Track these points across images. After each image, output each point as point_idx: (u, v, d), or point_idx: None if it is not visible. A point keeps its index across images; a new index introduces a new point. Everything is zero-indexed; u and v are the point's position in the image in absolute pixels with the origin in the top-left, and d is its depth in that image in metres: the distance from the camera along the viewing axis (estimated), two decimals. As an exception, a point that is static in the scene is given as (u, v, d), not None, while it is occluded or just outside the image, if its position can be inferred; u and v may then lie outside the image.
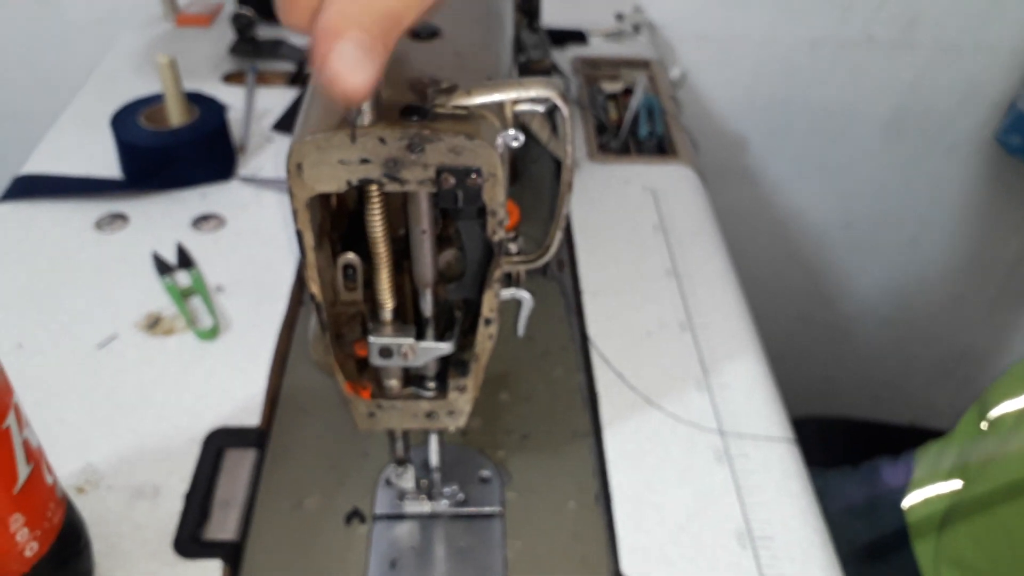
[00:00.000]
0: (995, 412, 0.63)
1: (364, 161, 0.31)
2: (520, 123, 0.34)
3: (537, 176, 0.73)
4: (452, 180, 0.32)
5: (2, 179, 0.71)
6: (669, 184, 0.73)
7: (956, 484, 0.64)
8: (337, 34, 0.28)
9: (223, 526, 0.46)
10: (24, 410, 0.36)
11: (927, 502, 0.67)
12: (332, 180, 0.31)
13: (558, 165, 0.73)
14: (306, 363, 0.56)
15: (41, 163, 0.73)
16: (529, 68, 0.71)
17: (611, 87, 0.86)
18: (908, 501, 0.68)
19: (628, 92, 0.85)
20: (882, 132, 1.13)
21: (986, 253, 1.25)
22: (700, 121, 1.07)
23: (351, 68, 0.28)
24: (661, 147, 0.79)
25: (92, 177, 0.71)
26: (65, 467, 0.48)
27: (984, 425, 0.63)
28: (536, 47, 0.71)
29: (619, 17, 1.00)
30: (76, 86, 0.84)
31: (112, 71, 0.87)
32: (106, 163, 0.72)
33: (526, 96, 0.32)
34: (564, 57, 0.92)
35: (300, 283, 0.62)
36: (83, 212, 0.68)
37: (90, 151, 0.74)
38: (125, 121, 0.71)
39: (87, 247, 0.64)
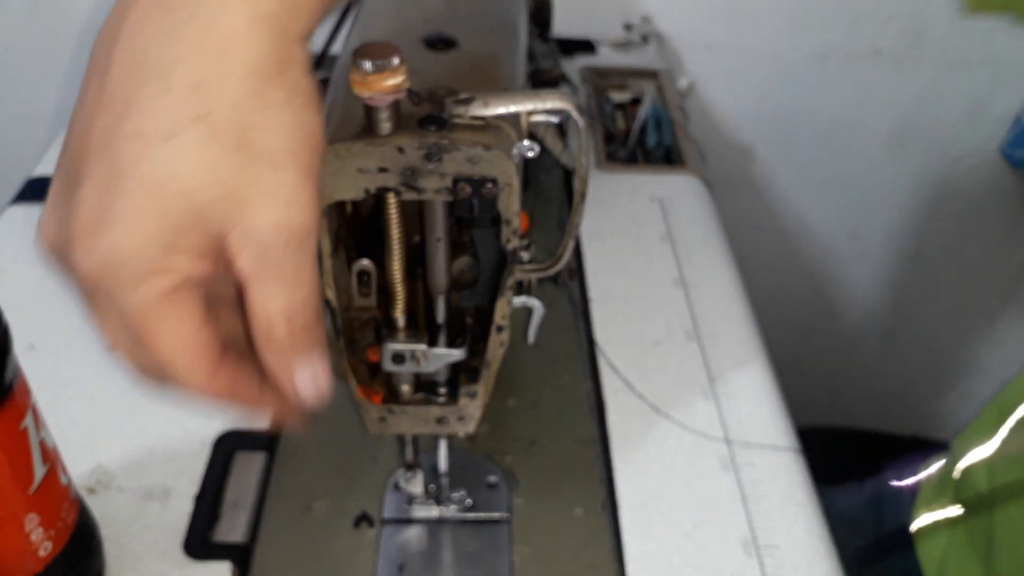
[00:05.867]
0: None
1: (382, 170, 0.32)
2: (531, 134, 0.35)
3: (546, 184, 0.73)
4: (468, 189, 0.32)
5: (15, 181, 0.72)
6: (677, 194, 0.73)
7: (958, 509, 0.64)
8: (294, 352, 0.30)
9: (232, 528, 0.46)
10: (40, 411, 0.37)
11: (936, 524, 0.67)
12: (351, 188, 0.32)
13: (567, 174, 0.73)
14: (315, 367, 0.56)
15: (53, 165, 0.73)
16: (539, 77, 0.71)
17: (619, 97, 0.86)
18: (916, 524, 0.68)
19: (636, 102, 0.86)
20: (887, 144, 1.13)
21: (990, 265, 1.25)
22: (707, 132, 1.08)
23: (319, 380, 0.31)
24: (669, 157, 0.79)
25: (104, 180, 0.71)
26: (76, 468, 0.48)
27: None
28: (546, 57, 0.72)
29: (627, 27, 1.01)
30: (88, 89, 0.85)
31: (124, 75, 0.88)
32: (118, 166, 0.73)
33: (543, 108, 0.32)
34: (572, 67, 0.92)
35: (310, 288, 0.62)
36: (95, 214, 0.68)
37: (102, 154, 0.74)
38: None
39: (99, 249, 0.65)
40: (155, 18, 0.26)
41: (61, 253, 0.28)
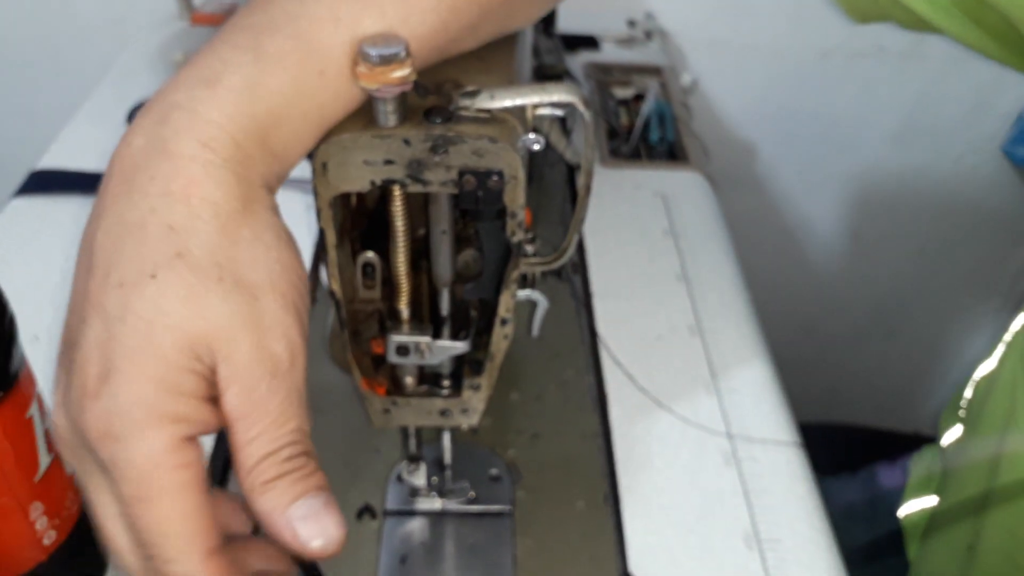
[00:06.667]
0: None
1: (388, 162, 0.32)
2: (535, 129, 0.35)
3: (549, 180, 0.74)
4: (474, 182, 0.32)
5: (18, 174, 0.72)
6: (680, 190, 0.73)
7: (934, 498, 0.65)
8: (287, 493, 0.28)
9: (236, 519, 0.46)
10: (45, 401, 0.37)
11: (922, 512, 0.67)
12: (357, 180, 0.32)
13: (570, 170, 0.73)
14: (317, 359, 0.56)
15: (57, 158, 0.74)
16: (543, 73, 0.71)
17: (622, 93, 0.87)
18: (903, 510, 0.69)
19: (639, 98, 0.86)
20: (890, 142, 1.13)
21: (991, 264, 1.25)
22: (710, 128, 1.08)
23: (324, 524, 0.28)
24: (672, 153, 0.79)
25: (108, 173, 0.72)
26: (81, 458, 0.48)
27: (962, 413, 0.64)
28: (550, 52, 0.72)
29: (631, 23, 1.01)
30: (91, 83, 0.85)
31: (127, 69, 0.88)
32: (122, 159, 0.73)
33: (548, 100, 0.32)
34: (576, 62, 0.92)
35: (313, 280, 0.62)
36: (98, 207, 0.68)
37: (105, 147, 0.74)
38: (141, 118, 0.71)
39: (102, 242, 0.65)
40: (126, 185, 0.28)
41: (72, 430, 0.27)
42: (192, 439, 0.27)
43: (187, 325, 0.26)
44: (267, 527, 0.28)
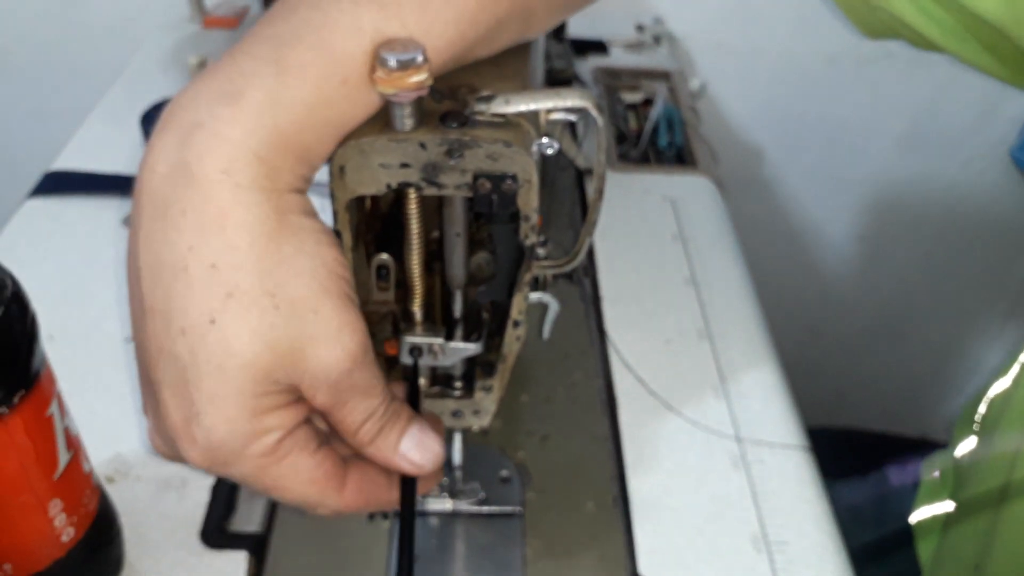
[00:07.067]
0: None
1: (404, 165, 0.32)
2: (546, 132, 0.35)
3: (559, 184, 0.74)
4: (488, 185, 0.33)
5: (32, 175, 0.72)
6: (688, 194, 0.74)
7: (949, 504, 0.65)
8: (390, 438, 0.32)
9: (249, 518, 0.47)
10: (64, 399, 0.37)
11: (934, 518, 0.67)
12: (373, 183, 0.33)
13: (579, 174, 0.74)
14: (330, 361, 0.56)
15: (71, 160, 0.74)
16: (552, 77, 0.72)
17: (631, 97, 0.87)
18: (915, 517, 0.69)
19: (648, 102, 0.86)
20: (898, 147, 1.14)
21: (998, 269, 1.25)
22: (718, 133, 1.08)
23: (428, 443, 0.33)
24: (680, 157, 0.80)
25: (121, 175, 0.72)
26: (95, 457, 0.48)
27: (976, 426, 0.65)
28: (560, 57, 0.73)
29: (640, 28, 1.01)
30: (104, 85, 0.86)
31: (140, 71, 0.88)
32: (134, 161, 0.73)
33: (562, 105, 0.33)
34: (585, 67, 0.93)
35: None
36: (111, 209, 0.69)
37: (119, 149, 0.75)
38: (155, 120, 0.72)
39: (115, 243, 0.65)
40: (156, 220, 0.28)
41: (175, 455, 0.30)
42: (285, 432, 0.30)
43: (257, 360, 0.28)
44: (385, 467, 0.33)
